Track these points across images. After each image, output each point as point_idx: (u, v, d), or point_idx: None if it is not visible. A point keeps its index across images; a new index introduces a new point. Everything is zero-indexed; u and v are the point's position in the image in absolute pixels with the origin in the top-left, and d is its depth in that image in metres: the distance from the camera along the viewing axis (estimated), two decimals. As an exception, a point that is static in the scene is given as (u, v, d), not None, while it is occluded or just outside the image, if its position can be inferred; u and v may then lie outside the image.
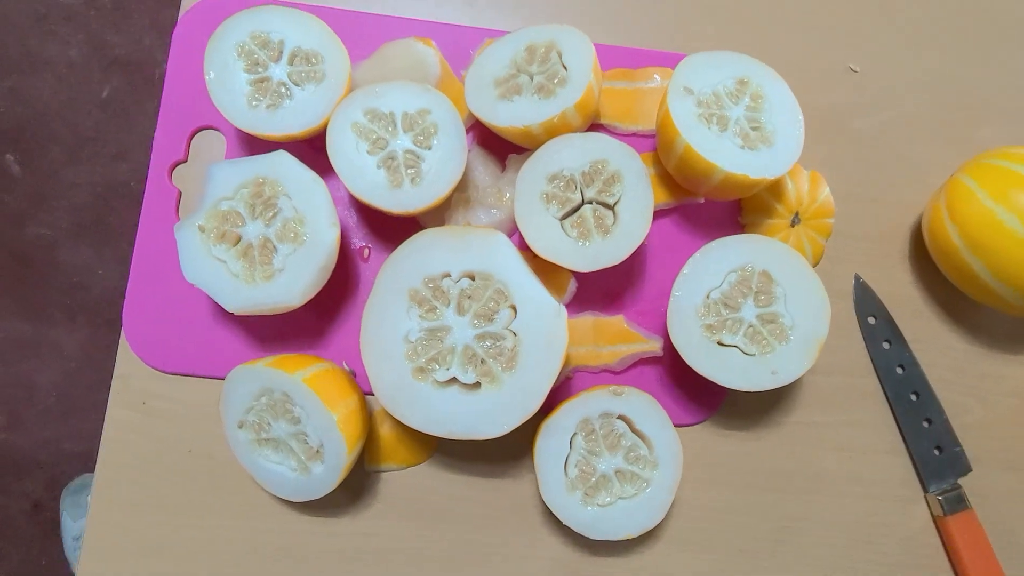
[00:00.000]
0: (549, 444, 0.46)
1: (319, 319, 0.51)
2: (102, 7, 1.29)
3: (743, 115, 0.49)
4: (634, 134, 0.54)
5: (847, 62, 0.58)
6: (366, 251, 0.52)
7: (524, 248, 0.50)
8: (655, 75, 0.54)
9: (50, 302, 1.23)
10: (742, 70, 0.50)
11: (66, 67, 1.27)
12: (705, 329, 0.47)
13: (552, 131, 0.48)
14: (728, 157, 0.47)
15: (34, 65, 1.27)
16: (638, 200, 0.47)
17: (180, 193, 0.52)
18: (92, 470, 1.16)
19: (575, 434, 0.47)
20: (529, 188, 0.47)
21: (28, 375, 1.22)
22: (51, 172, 1.25)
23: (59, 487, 1.20)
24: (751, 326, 0.47)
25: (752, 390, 0.46)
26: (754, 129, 0.49)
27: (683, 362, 0.47)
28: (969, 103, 0.58)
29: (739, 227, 0.54)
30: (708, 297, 0.47)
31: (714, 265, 0.47)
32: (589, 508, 0.46)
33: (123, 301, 0.51)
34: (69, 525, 1.18)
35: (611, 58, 0.55)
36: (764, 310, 0.47)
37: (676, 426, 0.52)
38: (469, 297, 0.46)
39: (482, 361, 0.45)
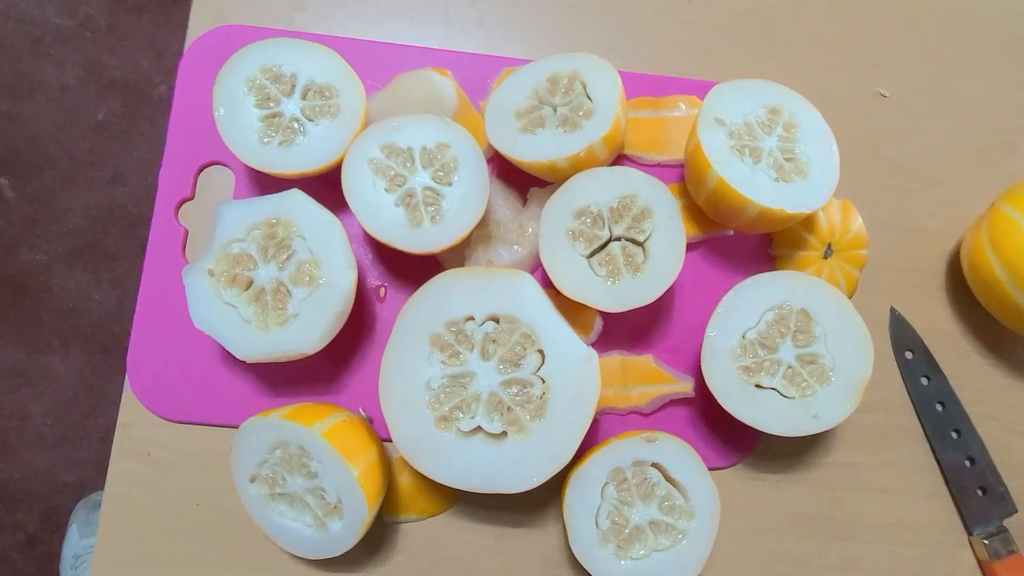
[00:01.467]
0: (579, 495, 0.44)
1: (333, 363, 0.49)
2: (98, 29, 1.26)
3: (776, 146, 0.47)
4: (659, 164, 0.52)
5: (876, 87, 0.56)
6: (382, 290, 0.50)
7: (547, 285, 0.48)
8: (680, 103, 0.52)
9: (44, 328, 1.20)
10: (773, 99, 0.48)
11: (61, 90, 1.24)
12: (742, 371, 0.45)
13: (578, 165, 0.46)
14: (763, 191, 0.45)
15: (29, 88, 1.24)
16: (670, 236, 0.45)
17: (187, 232, 0.50)
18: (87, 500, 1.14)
19: (606, 484, 0.44)
20: (554, 225, 0.45)
21: (21, 404, 1.19)
22: (45, 196, 1.23)
23: (54, 518, 1.16)
24: (790, 367, 0.45)
25: (793, 435, 0.44)
26: (788, 160, 0.47)
27: (715, 403, 0.45)
28: (1002, 127, 0.56)
29: (769, 260, 0.52)
30: (744, 337, 0.45)
31: (749, 304, 0.45)
32: (623, 562, 0.44)
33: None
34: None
35: (634, 86, 0.53)
36: (803, 350, 0.45)
37: (708, 470, 0.50)
38: (494, 341, 0.43)
39: (508, 409, 0.42)
